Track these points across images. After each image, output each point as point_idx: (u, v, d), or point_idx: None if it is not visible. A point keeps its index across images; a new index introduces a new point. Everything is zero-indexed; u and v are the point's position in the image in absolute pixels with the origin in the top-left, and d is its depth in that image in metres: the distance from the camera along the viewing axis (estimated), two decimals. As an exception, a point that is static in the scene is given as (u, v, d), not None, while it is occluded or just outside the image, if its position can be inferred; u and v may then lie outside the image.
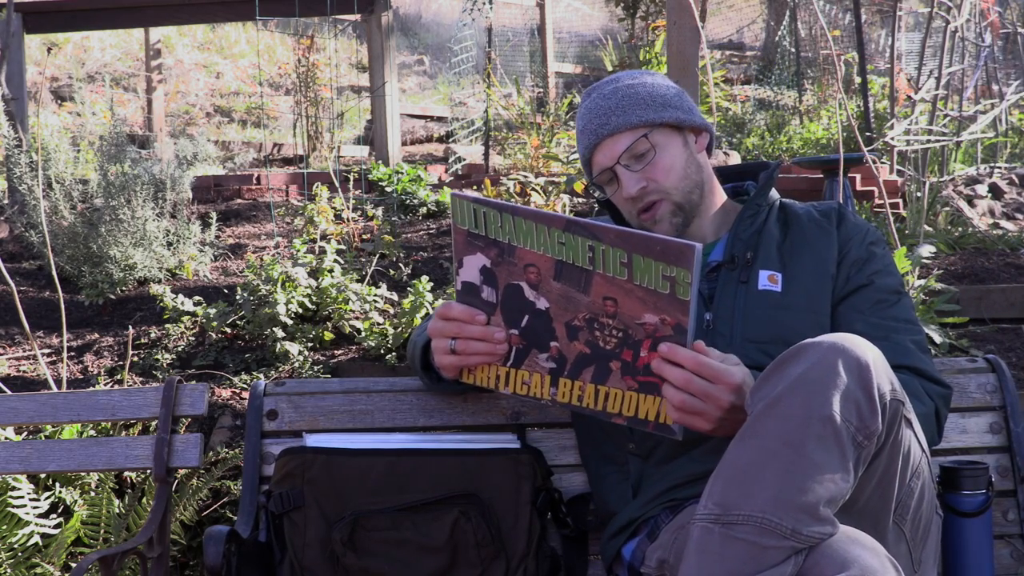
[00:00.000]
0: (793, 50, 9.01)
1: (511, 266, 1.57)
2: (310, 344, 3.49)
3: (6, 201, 5.38)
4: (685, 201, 1.82)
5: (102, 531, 2.62)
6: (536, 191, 4.74)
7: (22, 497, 2.55)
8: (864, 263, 1.82)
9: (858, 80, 6.17)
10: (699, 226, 1.86)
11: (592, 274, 1.52)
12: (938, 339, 3.34)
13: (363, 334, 3.51)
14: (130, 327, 3.67)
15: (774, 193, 1.92)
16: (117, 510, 2.65)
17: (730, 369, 1.50)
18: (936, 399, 1.72)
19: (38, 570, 2.50)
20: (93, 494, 2.68)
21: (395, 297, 3.79)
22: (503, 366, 1.64)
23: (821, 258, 1.82)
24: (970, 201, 6.08)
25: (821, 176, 4.89)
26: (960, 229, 5.34)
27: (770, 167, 1.92)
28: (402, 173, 5.94)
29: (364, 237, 4.64)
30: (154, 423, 2.29)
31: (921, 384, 1.71)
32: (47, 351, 3.68)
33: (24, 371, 3.53)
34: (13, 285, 3.23)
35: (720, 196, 1.91)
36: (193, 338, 3.59)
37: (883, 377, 1.43)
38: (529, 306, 1.58)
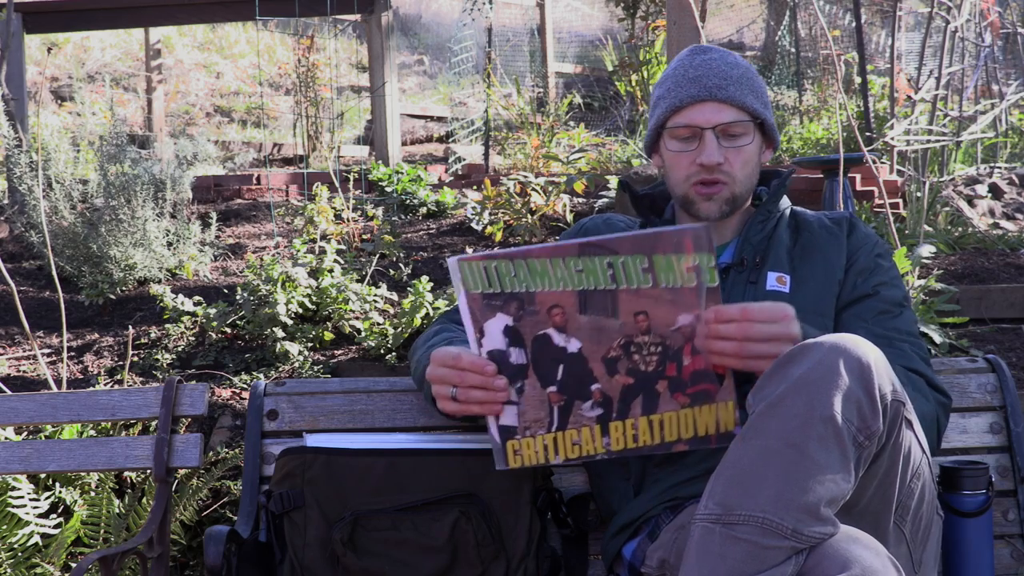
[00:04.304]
0: (793, 50, 9.00)
1: (534, 316, 1.54)
2: (310, 344, 3.49)
3: (6, 201, 5.39)
4: (740, 196, 1.84)
5: (102, 531, 2.62)
6: (536, 191, 4.74)
7: (22, 497, 2.55)
8: (870, 273, 1.83)
9: (858, 80, 6.17)
10: (722, 224, 1.88)
11: (617, 293, 1.50)
12: (938, 339, 3.34)
13: (363, 334, 3.51)
14: (130, 327, 3.67)
15: (785, 200, 1.94)
16: (117, 510, 2.65)
17: (779, 303, 1.53)
18: (937, 405, 1.73)
19: (38, 570, 2.50)
20: (93, 494, 2.68)
21: (395, 297, 3.80)
22: (548, 433, 1.61)
23: (830, 263, 1.83)
24: (970, 201, 6.08)
25: (821, 176, 4.89)
26: (960, 229, 5.34)
27: (783, 175, 1.93)
28: (402, 173, 5.94)
29: (364, 237, 4.64)
30: (154, 423, 2.30)
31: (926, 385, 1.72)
32: (47, 351, 3.68)
33: (24, 371, 3.53)
34: (13, 285, 3.23)
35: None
36: (193, 338, 3.59)
37: (884, 377, 1.43)
38: (561, 353, 1.56)
